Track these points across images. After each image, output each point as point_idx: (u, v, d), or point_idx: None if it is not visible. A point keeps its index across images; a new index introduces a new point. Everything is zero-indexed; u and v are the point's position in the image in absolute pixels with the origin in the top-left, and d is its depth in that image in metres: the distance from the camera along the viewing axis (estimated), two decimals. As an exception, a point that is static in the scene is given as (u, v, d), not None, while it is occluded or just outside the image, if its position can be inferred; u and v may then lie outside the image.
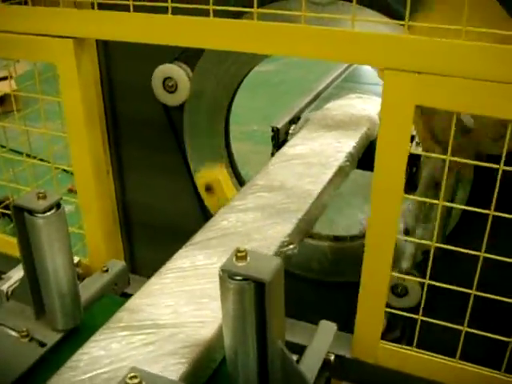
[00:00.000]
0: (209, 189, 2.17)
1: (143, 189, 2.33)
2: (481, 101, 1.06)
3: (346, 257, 2.13)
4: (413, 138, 2.31)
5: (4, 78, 3.90)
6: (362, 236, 2.12)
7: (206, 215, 2.20)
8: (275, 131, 2.38)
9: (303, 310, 1.56)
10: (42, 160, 1.97)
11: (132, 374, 0.77)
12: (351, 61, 1.12)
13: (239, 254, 0.99)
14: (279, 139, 2.36)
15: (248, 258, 1.00)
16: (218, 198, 2.18)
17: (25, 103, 2.79)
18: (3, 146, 1.94)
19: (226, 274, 0.99)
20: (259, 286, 0.98)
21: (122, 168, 2.30)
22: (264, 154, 2.10)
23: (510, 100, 1.03)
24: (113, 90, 2.15)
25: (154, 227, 2.37)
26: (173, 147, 2.18)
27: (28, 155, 1.94)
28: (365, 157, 2.16)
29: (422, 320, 1.38)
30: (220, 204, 2.00)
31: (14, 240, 1.89)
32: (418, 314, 1.39)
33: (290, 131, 2.39)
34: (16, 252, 1.73)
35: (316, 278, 2.15)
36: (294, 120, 2.41)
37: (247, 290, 0.99)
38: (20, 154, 1.94)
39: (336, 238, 2.18)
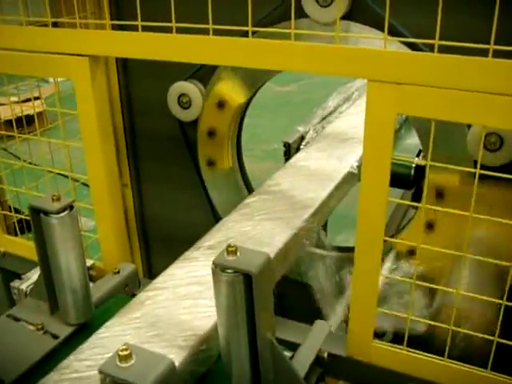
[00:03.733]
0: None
1: (160, 201, 2.44)
2: (457, 109, 1.14)
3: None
4: (420, 152, 2.39)
5: (35, 99, 4.10)
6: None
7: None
8: (287, 146, 2.48)
9: (309, 316, 1.64)
10: (61, 174, 2.10)
11: (124, 347, 0.86)
12: (337, 73, 1.20)
13: (230, 249, 1.08)
14: (291, 154, 2.46)
15: (238, 253, 1.09)
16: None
17: (52, 123, 2.92)
18: (25, 161, 2.06)
19: (218, 268, 1.08)
20: (248, 279, 1.07)
21: (139, 181, 2.42)
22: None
23: (483, 107, 1.11)
24: (131, 107, 2.28)
25: (170, 237, 2.47)
26: (187, 161, 2.28)
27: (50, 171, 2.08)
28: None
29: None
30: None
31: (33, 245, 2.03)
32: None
33: (302, 146, 2.49)
34: (35, 256, 1.86)
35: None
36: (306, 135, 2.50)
37: (237, 283, 1.08)
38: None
39: (341, 249, 2.25)
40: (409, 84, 1.15)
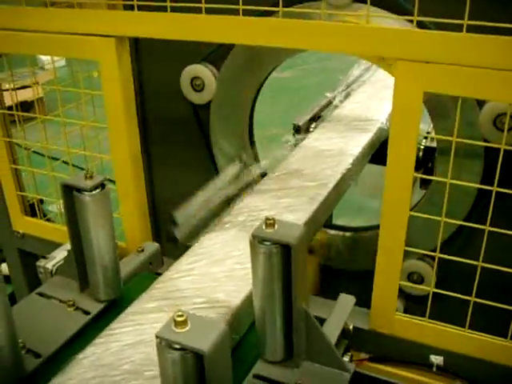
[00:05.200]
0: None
1: (171, 184, 2.45)
2: (482, 86, 1.18)
3: (362, 246, 2.24)
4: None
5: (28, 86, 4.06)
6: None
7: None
8: (296, 129, 2.51)
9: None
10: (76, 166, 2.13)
11: (179, 313, 0.90)
12: (366, 53, 1.24)
13: (268, 222, 1.12)
14: (300, 136, 2.49)
15: (276, 226, 1.12)
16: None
17: (49, 110, 2.93)
18: (36, 152, 2.08)
19: (256, 240, 1.12)
20: (286, 250, 1.11)
21: (150, 164, 2.43)
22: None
23: (509, 85, 1.15)
24: (143, 89, 2.29)
25: (181, 221, 2.49)
26: (200, 144, 2.30)
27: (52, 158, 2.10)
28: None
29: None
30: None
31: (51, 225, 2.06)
32: (435, 300, 1.50)
33: (311, 129, 2.52)
34: (54, 236, 1.89)
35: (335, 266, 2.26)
36: (315, 118, 2.54)
37: (275, 254, 1.11)
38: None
39: (354, 229, 2.30)
40: (437, 63, 1.19)
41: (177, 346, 0.88)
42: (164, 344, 0.89)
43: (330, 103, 2.68)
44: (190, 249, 1.48)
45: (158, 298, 1.31)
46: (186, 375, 0.91)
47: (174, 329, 0.89)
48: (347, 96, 2.60)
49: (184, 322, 0.89)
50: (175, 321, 0.89)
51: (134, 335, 1.21)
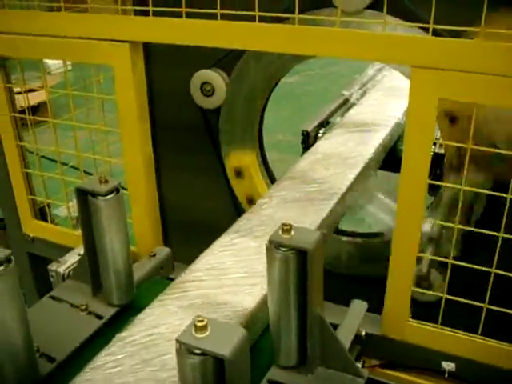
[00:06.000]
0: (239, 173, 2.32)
1: (179, 188, 2.45)
2: (497, 93, 1.19)
3: (372, 252, 2.24)
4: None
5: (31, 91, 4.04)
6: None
7: (240, 214, 2.31)
8: (305, 135, 2.51)
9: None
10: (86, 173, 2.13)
11: (200, 318, 0.90)
12: (383, 60, 1.25)
13: (285, 228, 1.12)
14: (309, 142, 2.50)
15: (292, 232, 1.13)
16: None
17: (56, 114, 2.93)
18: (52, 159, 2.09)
19: (273, 245, 1.12)
20: (302, 255, 1.11)
21: (159, 168, 2.43)
22: (289, 162, 2.24)
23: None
24: (153, 94, 2.29)
25: (190, 226, 2.49)
26: (209, 149, 2.31)
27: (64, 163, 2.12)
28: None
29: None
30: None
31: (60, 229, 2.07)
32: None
33: (319, 135, 2.53)
34: (63, 241, 1.89)
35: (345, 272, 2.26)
36: (323, 124, 2.55)
37: (291, 259, 1.12)
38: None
39: (363, 235, 2.30)
40: (452, 70, 1.20)
41: (197, 351, 0.89)
42: (184, 349, 0.90)
43: (344, 103, 2.70)
44: (231, 227, 1.58)
45: (202, 269, 1.40)
46: (205, 380, 0.92)
47: (194, 334, 0.90)
48: (363, 94, 2.66)
49: (204, 327, 0.90)
50: (195, 326, 0.90)
51: (184, 301, 1.30)
